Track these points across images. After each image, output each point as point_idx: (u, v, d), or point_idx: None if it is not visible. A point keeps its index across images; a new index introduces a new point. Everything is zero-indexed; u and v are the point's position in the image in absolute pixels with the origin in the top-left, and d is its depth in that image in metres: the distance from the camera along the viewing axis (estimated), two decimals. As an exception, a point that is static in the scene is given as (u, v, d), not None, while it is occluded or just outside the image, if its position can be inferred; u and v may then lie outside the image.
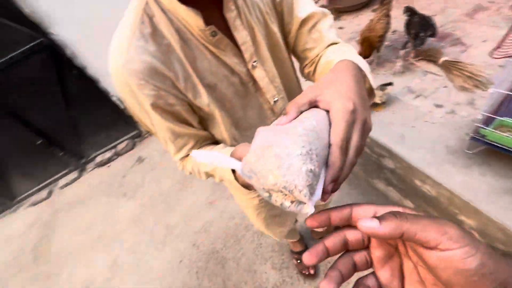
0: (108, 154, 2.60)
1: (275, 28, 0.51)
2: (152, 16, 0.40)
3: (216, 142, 0.57)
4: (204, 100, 0.47)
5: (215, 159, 0.32)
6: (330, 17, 0.53)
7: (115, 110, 2.38)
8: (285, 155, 0.25)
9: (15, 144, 2.27)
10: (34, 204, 2.55)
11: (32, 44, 1.86)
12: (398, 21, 1.29)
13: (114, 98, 2.31)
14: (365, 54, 1.15)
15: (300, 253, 1.28)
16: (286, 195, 0.26)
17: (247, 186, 0.41)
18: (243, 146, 0.35)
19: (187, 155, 0.53)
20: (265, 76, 0.51)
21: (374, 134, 1.09)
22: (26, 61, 1.92)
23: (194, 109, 0.49)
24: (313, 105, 0.31)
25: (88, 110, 2.34)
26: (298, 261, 1.28)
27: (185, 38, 0.42)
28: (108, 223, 2.03)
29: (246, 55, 0.48)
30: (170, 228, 1.77)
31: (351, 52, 0.46)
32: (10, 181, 2.48)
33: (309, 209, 0.26)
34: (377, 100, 1.09)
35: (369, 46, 1.12)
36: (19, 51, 1.87)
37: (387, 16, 1.11)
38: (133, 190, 2.19)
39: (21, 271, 2.00)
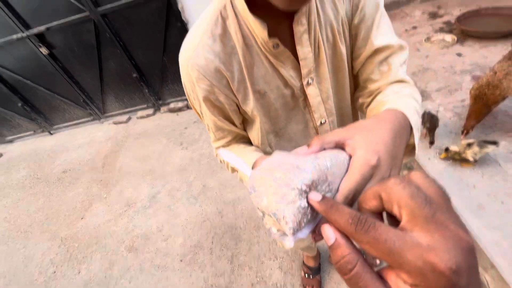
0: (180, 104, 2.89)
1: (343, 49, 0.47)
2: (226, 18, 0.42)
3: (251, 143, 0.58)
4: (250, 104, 0.48)
5: (236, 163, 0.35)
6: (406, 52, 0.48)
7: (198, 68, 2.58)
8: (284, 184, 0.26)
9: (118, 71, 2.71)
10: (116, 123, 3.07)
11: (155, -9, 2.12)
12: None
13: (201, 57, 2.49)
14: (475, 117, 0.89)
15: (311, 269, 1.25)
16: (274, 221, 0.27)
17: None
18: (262, 159, 0.36)
19: (223, 146, 0.57)
20: (318, 95, 0.50)
21: (446, 188, 0.93)
22: (146, 6, 2.21)
23: (240, 110, 0.51)
24: (340, 146, 0.30)
25: (177, 60, 2.58)
26: (306, 275, 1.25)
27: (248, 44, 0.43)
28: (161, 162, 2.31)
29: (304, 71, 0.46)
30: (205, 188, 1.92)
31: (412, 99, 0.41)
32: (105, 98, 3.01)
33: (289, 243, 0.26)
34: (469, 156, 0.91)
35: (484, 106, 0.86)
36: (144, -5, 2.14)
37: None
38: (188, 143, 2.42)
39: (90, 171, 2.49)
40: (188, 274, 1.47)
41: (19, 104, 2.99)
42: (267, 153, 0.58)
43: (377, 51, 0.46)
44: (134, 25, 2.36)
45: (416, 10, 2.08)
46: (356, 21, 0.46)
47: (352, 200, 0.27)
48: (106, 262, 1.66)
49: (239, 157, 0.50)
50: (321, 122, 0.54)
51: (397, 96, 0.42)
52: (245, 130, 0.57)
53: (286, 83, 0.48)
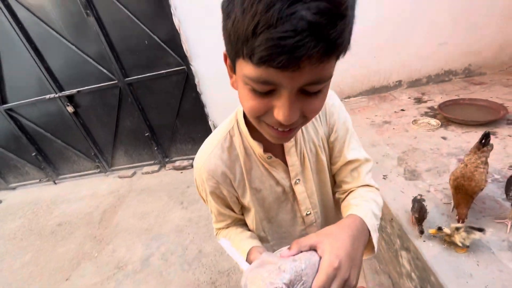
0: (185, 163, 3.02)
1: (324, 157, 0.61)
2: (233, 135, 0.57)
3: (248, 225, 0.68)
4: (247, 198, 0.60)
5: (233, 254, 0.44)
6: (371, 163, 0.63)
7: (206, 131, 2.80)
8: (269, 283, 0.34)
9: (132, 129, 2.94)
10: (121, 177, 3.15)
11: (177, 68, 2.48)
12: None
13: (210, 123, 2.73)
14: (464, 205, 0.96)
15: None
16: None
17: None
18: (256, 254, 0.49)
19: (223, 228, 0.67)
20: (304, 192, 0.61)
21: (443, 276, 0.92)
22: (168, 78, 2.56)
23: (239, 201, 0.62)
24: (313, 248, 0.39)
25: (188, 124, 2.84)
26: None
27: (248, 154, 0.57)
28: (159, 220, 2.29)
29: (292, 174, 0.59)
30: (201, 254, 1.86)
31: (373, 202, 0.54)
32: (115, 153, 3.17)
33: None
34: (457, 241, 0.93)
35: (466, 195, 0.94)
36: (167, 70, 2.51)
37: (486, 163, 0.95)
38: (189, 202, 2.44)
39: (86, 225, 2.45)
40: None
41: (33, 154, 3.15)
42: (261, 237, 0.67)
43: (349, 162, 0.60)
44: (154, 93, 2.68)
45: (403, 94, 2.36)
46: (332, 139, 0.61)
47: None
48: (82, 336, 1.51)
49: (235, 247, 0.56)
50: (306, 213, 0.65)
51: (361, 200, 0.55)
52: (243, 214, 0.67)
53: (277, 183, 0.60)
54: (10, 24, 2.37)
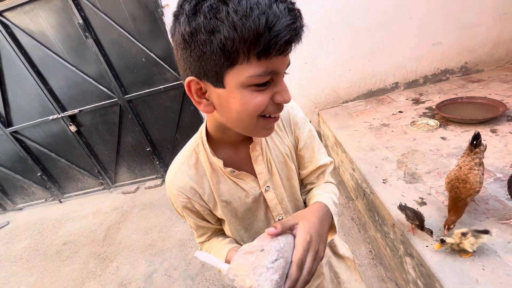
0: (187, 175, 3.02)
1: (292, 165, 0.66)
2: (198, 152, 0.59)
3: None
4: (218, 210, 0.62)
5: (211, 260, 0.45)
6: (333, 164, 0.72)
7: (206, 143, 2.82)
8: (258, 265, 0.38)
9: (133, 145, 2.98)
10: (124, 193, 3.17)
11: (174, 83, 2.52)
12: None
13: (209, 134, 2.75)
14: (454, 212, 0.93)
15: None
16: None
17: None
18: (234, 253, 0.50)
19: (205, 241, 0.69)
20: (274, 198, 0.64)
21: (448, 283, 0.89)
22: (166, 93, 2.60)
23: (212, 213, 0.64)
24: (293, 228, 0.47)
25: (188, 137, 2.80)
26: None
27: (215, 168, 0.58)
28: (162, 235, 2.28)
29: (261, 182, 0.61)
30: (204, 268, 1.83)
31: (332, 194, 0.64)
32: (118, 169, 3.20)
33: None
34: (467, 247, 0.90)
35: (459, 199, 0.91)
36: (165, 85, 2.55)
37: (481, 164, 0.92)
38: (191, 215, 2.42)
39: (90, 243, 2.45)
40: None
41: (39, 174, 3.20)
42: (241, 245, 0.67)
43: (319, 167, 0.68)
44: (153, 108, 2.72)
45: (401, 96, 2.34)
46: (300, 146, 0.66)
47: (301, 267, 0.42)
48: None
49: (214, 254, 0.61)
50: (279, 219, 0.66)
51: (323, 191, 0.64)
52: (221, 225, 0.69)
53: (247, 194, 0.61)
54: (14, 50, 2.47)
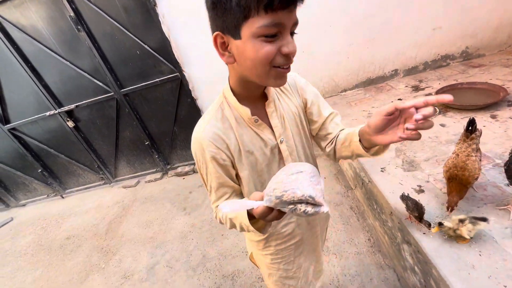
0: (187, 168, 3.03)
1: (304, 121, 0.76)
2: (223, 108, 0.66)
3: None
4: (242, 160, 0.67)
5: (238, 206, 0.49)
6: (339, 115, 0.80)
7: (205, 135, 2.81)
8: (302, 180, 0.45)
9: (132, 139, 2.97)
10: (125, 187, 3.18)
11: (170, 75, 2.49)
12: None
13: (208, 126, 2.74)
14: (456, 193, 0.92)
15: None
16: (308, 203, 0.44)
17: (260, 229, 0.60)
18: (256, 194, 0.53)
19: None
20: (286, 149, 0.71)
21: (445, 269, 0.89)
22: (162, 86, 2.57)
23: (234, 166, 0.69)
24: None
25: (186, 129, 2.85)
26: None
27: (239, 122, 0.66)
28: (163, 228, 2.30)
29: (277, 134, 0.70)
30: (205, 259, 1.86)
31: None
32: (118, 164, 3.20)
33: (326, 208, 0.45)
34: (465, 233, 0.90)
35: (460, 185, 0.90)
36: (160, 78, 2.52)
37: (478, 150, 0.91)
38: (192, 208, 2.44)
39: (93, 237, 2.48)
40: None
41: (39, 170, 3.22)
42: None
43: (327, 118, 0.76)
44: (150, 102, 2.70)
45: (400, 83, 2.31)
46: (309, 105, 0.76)
47: None
48: None
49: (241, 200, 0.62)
50: None
51: (348, 131, 0.73)
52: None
53: (266, 144, 0.69)
54: (6, 45, 2.43)
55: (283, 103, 0.72)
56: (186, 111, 2.70)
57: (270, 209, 0.49)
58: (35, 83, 2.62)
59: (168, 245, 2.10)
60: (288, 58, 0.52)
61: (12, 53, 2.46)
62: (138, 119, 2.80)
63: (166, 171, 3.16)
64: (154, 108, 2.74)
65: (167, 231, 2.25)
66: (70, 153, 3.13)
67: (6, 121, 2.91)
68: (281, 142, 0.70)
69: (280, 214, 0.49)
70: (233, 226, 0.67)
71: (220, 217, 0.71)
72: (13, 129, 2.94)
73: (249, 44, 0.49)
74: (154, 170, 3.18)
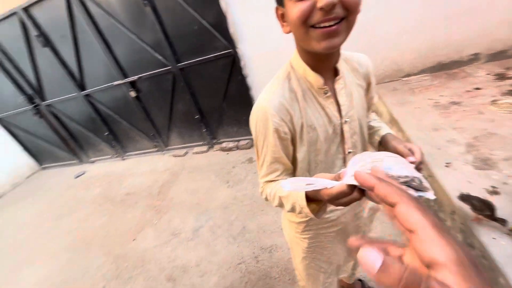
0: (231, 144, 3.15)
1: (365, 103, 0.74)
2: (290, 79, 0.64)
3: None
4: (304, 135, 0.65)
5: (303, 184, 0.41)
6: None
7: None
8: (405, 163, 0.43)
9: (184, 112, 3.17)
10: (175, 156, 3.47)
11: (224, 52, 2.53)
12: None
13: (255, 105, 2.77)
14: None
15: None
16: (409, 186, 0.38)
17: (314, 212, 0.55)
18: (324, 174, 0.46)
19: (271, 181, 0.69)
20: (348, 131, 0.68)
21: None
22: (215, 62, 2.64)
23: (293, 142, 0.67)
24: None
25: (234, 106, 2.92)
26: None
27: (305, 94, 0.64)
28: (207, 197, 2.48)
29: (343, 113, 0.67)
30: (245, 230, 1.97)
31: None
32: (170, 134, 3.48)
33: (432, 195, 0.38)
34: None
35: None
36: (214, 54, 2.58)
37: None
38: (234, 182, 2.57)
39: (147, 197, 2.80)
40: (217, 317, 1.46)
41: (106, 133, 3.68)
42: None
43: (373, 105, 0.81)
44: (203, 77, 2.81)
45: (480, 70, 1.98)
46: (369, 90, 0.76)
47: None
48: (147, 287, 1.78)
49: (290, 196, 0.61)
50: (349, 151, 0.71)
51: (376, 124, 0.81)
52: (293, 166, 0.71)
53: (330, 121, 0.66)
54: (85, 20, 2.72)
55: (352, 81, 0.69)
56: (236, 88, 2.75)
57: (350, 190, 0.39)
58: (106, 55, 2.91)
59: (211, 212, 2.27)
60: (325, 14, 0.46)
61: (90, 27, 2.76)
62: (190, 94, 2.96)
63: (212, 145, 3.33)
64: (206, 84, 2.86)
65: (211, 200, 2.42)
66: (131, 121, 3.49)
67: (83, 88, 3.34)
68: (345, 122, 0.67)
69: (361, 195, 0.39)
70: (281, 205, 0.64)
71: (267, 193, 0.68)
72: (88, 95, 3.37)
73: (288, 8, 0.51)
74: (201, 143, 3.38)
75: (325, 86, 0.62)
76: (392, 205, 0.25)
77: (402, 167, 0.40)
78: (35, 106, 3.69)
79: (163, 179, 3.05)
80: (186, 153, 3.45)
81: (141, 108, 3.27)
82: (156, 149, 3.68)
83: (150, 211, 2.56)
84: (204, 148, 3.35)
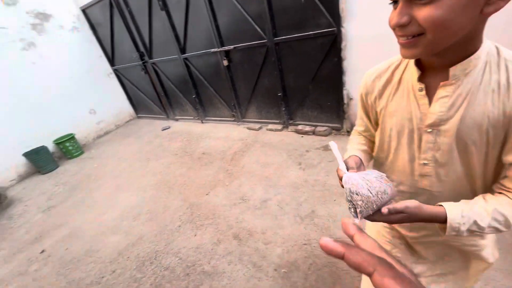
0: (307, 128, 3.08)
1: (491, 139, 0.53)
2: (400, 63, 0.64)
3: (373, 143, 0.79)
4: (383, 117, 0.68)
5: (336, 154, 0.58)
6: None
7: (338, 101, 2.70)
8: (369, 181, 0.54)
9: (267, 88, 3.21)
10: (249, 128, 3.61)
11: (326, 30, 2.40)
12: None
13: (344, 92, 2.59)
14: None
15: None
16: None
17: None
18: (351, 160, 0.65)
19: (357, 132, 0.83)
20: (430, 143, 0.59)
21: None
22: (314, 40, 2.54)
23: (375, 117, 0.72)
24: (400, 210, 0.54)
25: (321, 90, 2.81)
26: None
27: (401, 83, 0.62)
28: (278, 173, 2.52)
29: (428, 122, 0.58)
30: (314, 214, 1.94)
31: (484, 214, 0.53)
32: (249, 107, 3.60)
33: (357, 220, 0.53)
34: None
35: None
36: (315, 31, 2.48)
37: None
38: (306, 165, 2.53)
39: (221, 160, 3.02)
40: (279, 286, 1.51)
41: (193, 96, 4.05)
42: (380, 157, 0.74)
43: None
44: (296, 54, 2.75)
45: None
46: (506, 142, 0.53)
47: (390, 212, 0.53)
48: (215, 238, 1.96)
49: (348, 147, 0.79)
50: (424, 163, 0.62)
51: (479, 207, 0.54)
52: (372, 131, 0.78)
53: (411, 119, 0.61)
54: (200, -14, 2.93)
55: (476, 101, 0.51)
56: (328, 70, 2.61)
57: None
58: (210, 23, 3.11)
59: (280, 188, 2.30)
60: (397, 29, 0.48)
61: (202, -7, 2.96)
62: (279, 70, 2.95)
63: (287, 125, 3.33)
64: (297, 62, 2.80)
65: (281, 177, 2.46)
66: (217, 88, 3.74)
67: (183, 51, 3.69)
68: (427, 132, 0.58)
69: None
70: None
71: (350, 137, 0.84)
72: (186, 58, 3.73)
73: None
74: (277, 121, 3.41)
75: (421, 84, 0.57)
76: (368, 275, 0.24)
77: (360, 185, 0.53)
78: (143, 63, 4.29)
79: (237, 147, 3.22)
80: (260, 127, 3.55)
81: (228, 78, 3.45)
82: (233, 119, 3.89)
83: (223, 173, 2.76)
84: (279, 126, 3.37)
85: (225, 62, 3.30)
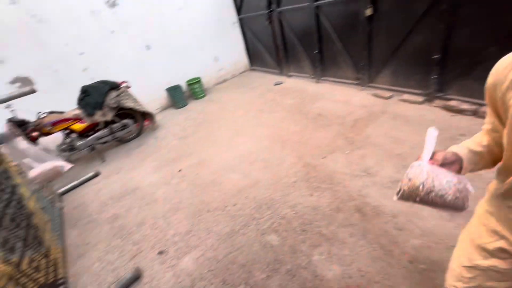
0: (465, 106, 2.36)
1: None
2: None
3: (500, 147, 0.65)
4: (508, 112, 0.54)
5: (429, 143, 0.69)
6: None
7: None
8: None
9: (419, 47, 2.55)
10: (375, 96, 3.11)
11: None
12: None
13: None
14: None
15: None
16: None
17: None
18: (447, 154, 0.70)
19: (483, 130, 0.71)
20: None
21: None
22: None
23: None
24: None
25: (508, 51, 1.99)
26: None
27: None
28: (413, 153, 2.09)
29: None
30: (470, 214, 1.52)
31: None
32: (382, 70, 3.04)
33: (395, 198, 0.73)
34: None
35: None
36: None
37: None
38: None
39: (339, 125, 2.76)
40: (416, 281, 1.30)
41: (315, 51, 3.74)
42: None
43: None
44: (483, 1, 1.97)
45: None
46: None
47: None
48: (333, 204, 1.85)
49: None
50: None
51: None
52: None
53: None
54: None
55: None
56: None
57: None
58: (363, -41, 2.56)
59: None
60: None
61: None
62: (447, 22, 2.24)
63: (432, 98, 2.66)
64: (482, 12, 2.02)
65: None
66: (346, 44, 3.29)
67: (317, -2, 3.31)
68: None
69: None
70: None
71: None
72: (318, 7, 3.35)
73: None
74: (418, 91, 2.77)
75: None
76: None
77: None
78: (269, 11, 4.17)
79: (359, 114, 2.86)
80: (391, 96, 3.00)
81: (366, 32, 2.92)
82: (356, 82, 3.43)
83: (342, 140, 2.53)
84: (419, 98, 2.74)
85: (369, 11, 2.76)
